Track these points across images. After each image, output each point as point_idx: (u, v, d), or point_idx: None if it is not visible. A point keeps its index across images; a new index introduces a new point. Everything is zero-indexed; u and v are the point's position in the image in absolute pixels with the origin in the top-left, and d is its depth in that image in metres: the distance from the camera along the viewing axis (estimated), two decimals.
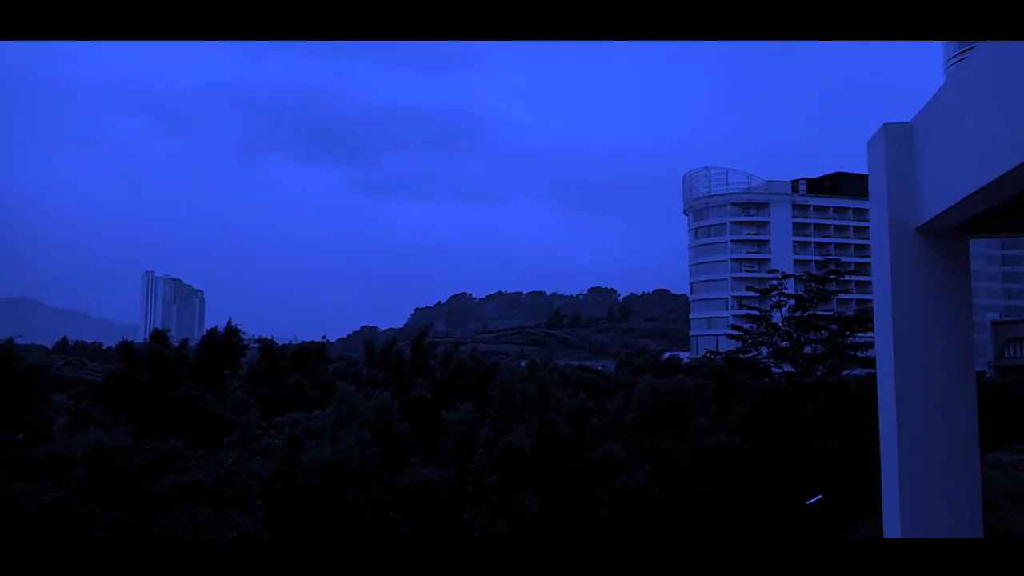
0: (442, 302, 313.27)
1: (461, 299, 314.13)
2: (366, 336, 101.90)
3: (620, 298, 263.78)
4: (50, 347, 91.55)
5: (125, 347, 35.54)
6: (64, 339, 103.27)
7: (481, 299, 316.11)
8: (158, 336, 38.23)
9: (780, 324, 41.45)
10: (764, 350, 41.26)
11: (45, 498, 20.75)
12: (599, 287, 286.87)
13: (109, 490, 22.14)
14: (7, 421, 27.93)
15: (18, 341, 34.15)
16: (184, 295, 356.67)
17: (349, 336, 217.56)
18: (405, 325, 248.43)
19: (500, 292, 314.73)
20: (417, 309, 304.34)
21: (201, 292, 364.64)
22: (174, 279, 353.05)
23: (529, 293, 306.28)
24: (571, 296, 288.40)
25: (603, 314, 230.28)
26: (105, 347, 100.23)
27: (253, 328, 44.56)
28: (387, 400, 31.85)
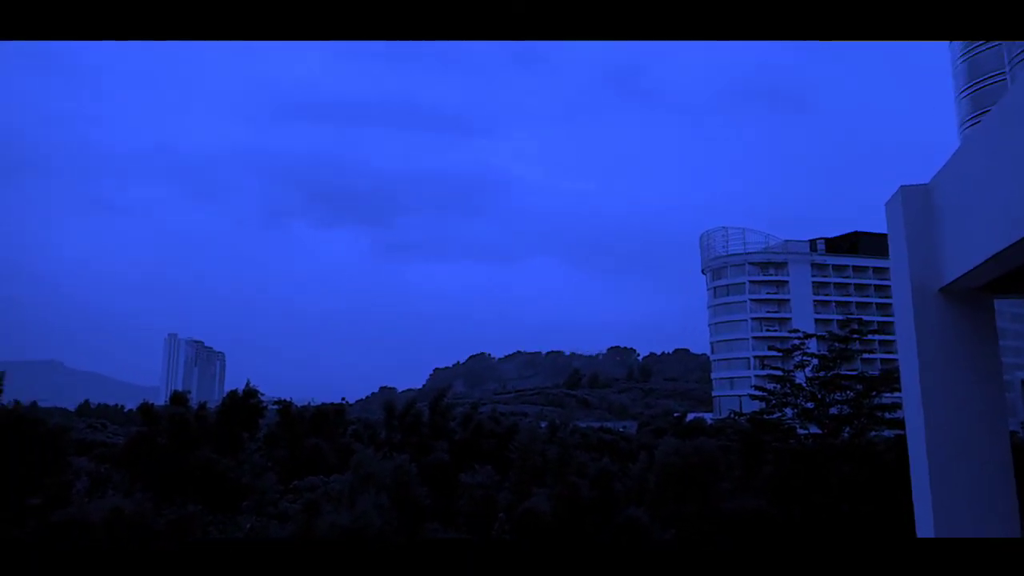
0: (461, 362, 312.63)
1: (480, 359, 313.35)
2: (385, 397, 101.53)
3: (640, 358, 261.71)
4: (73, 409, 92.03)
5: (145, 409, 35.67)
6: (87, 401, 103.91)
7: (500, 359, 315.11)
8: (178, 398, 38.36)
9: (804, 384, 40.83)
10: (788, 411, 40.54)
11: None
12: (618, 347, 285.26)
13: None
14: (25, 486, 27.93)
15: (41, 404, 34.40)
16: (206, 357, 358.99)
17: (368, 397, 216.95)
18: (424, 386, 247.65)
19: (519, 352, 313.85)
20: (436, 369, 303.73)
21: (222, 354, 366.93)
22: (196, 341, 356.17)
23: (548, 353, 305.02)
24: (590, 356, 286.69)
25: (623, 374, 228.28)
26: (127, 409, 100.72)
27: (273, 390, 44.70)
28: (405, 463, 31.52)
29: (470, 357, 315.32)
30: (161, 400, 41.67)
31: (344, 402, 56.53)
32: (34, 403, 31.78)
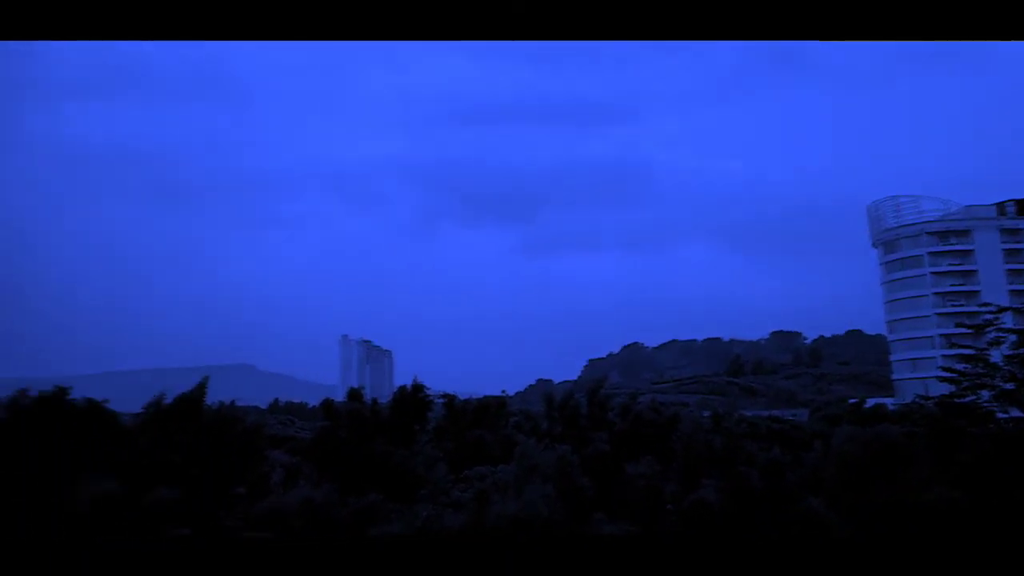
0: (614, 352, 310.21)
1: (634, 349, 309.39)
2: (542, 389, 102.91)
3: (807, 341, 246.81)
4: (265, 408, 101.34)
5: (327, 405, 38.58)
6: (276, 400, 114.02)
7: (654, 348, 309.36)
8: (354, 394, 41.12)
9: (1000, 363, 36.77)
10: (984, 393, 36.70)
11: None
12: (782, 331, 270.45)
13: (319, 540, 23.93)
14: (230, 477, 31.17)
15: (238, 403, 38.21)
16: (375, 355, 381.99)
17: (526, 389, 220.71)
18: (579, 377, 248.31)
19: (674, 340, 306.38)
20: (590, 360, 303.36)
21: (390, 352, 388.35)
22: (366, 341, 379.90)
23: (704, 340, 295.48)
24: (751, 341, 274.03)
25: (788, 359, 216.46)
26: (311, 406, 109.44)
27: (437, 384, 46.65)
28: (567, 453, 31.84)
29: (624, 347, 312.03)
30: (339, 397, 44.82)
31: (504, 394, 57.91)
32: (232, 402, 35.36)
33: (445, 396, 47.02)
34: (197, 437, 30.11)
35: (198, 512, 25.60)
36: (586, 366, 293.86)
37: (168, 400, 31.94)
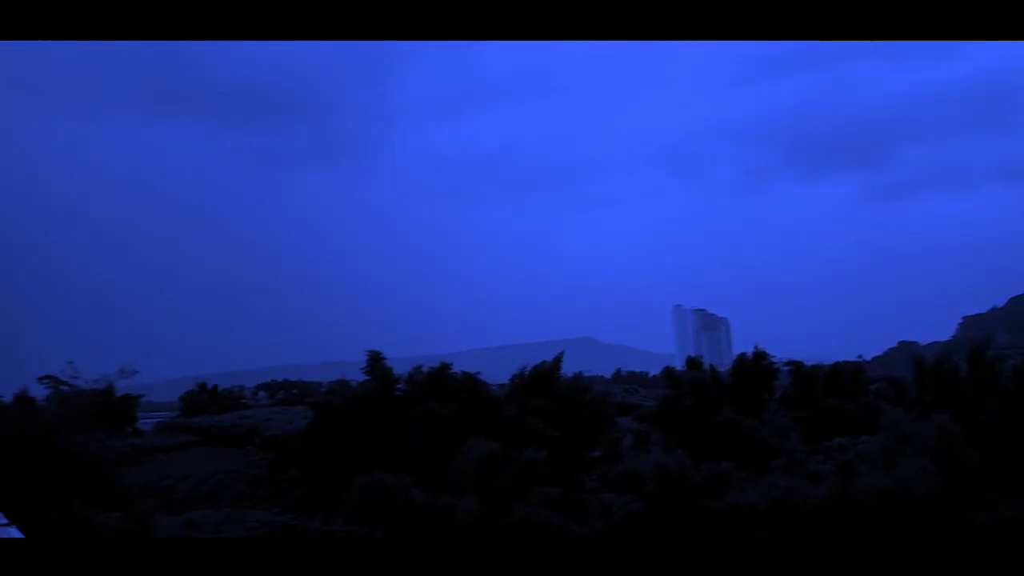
0: (999, 307, 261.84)
1: None
2: (905, 351, 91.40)
3: None
4: (607, 377, 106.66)
5: (669, 374, 39.22)
6: (618, 370, 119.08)
7: None
8: (693, 363, 41.14)
9: None
10: None
11: (629, 508, 24.20)
12: None
13: (675, 505, 24.59)
14: (586, 441, 33.50)
15: (585, 374, 40.79)
16: (711, 323, 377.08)
17: (885, 353, 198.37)
18: (953, 337, 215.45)
19: None
20: (965, 318, 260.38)
21: (726, 320, 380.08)
22: (700, 309, 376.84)
23: None
24: None
25: None
26: (650, 376, 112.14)
27: (780, 351, 44.37)
28: (946, 423, 27.99)
29: (1011, 299, 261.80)
30: (677, 366, 45.19)
31: (860, 359, 52.80)
32: (579, 373, 37.89)
33: (790, 363, 44.55)
34: (554, 405, 32.97)
35: (561, 473, 28.06)
36: (961, 324, 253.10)
37: (527, 373, 35.50)
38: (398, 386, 34.06)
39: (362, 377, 35.10)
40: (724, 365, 47.40)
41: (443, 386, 33.58)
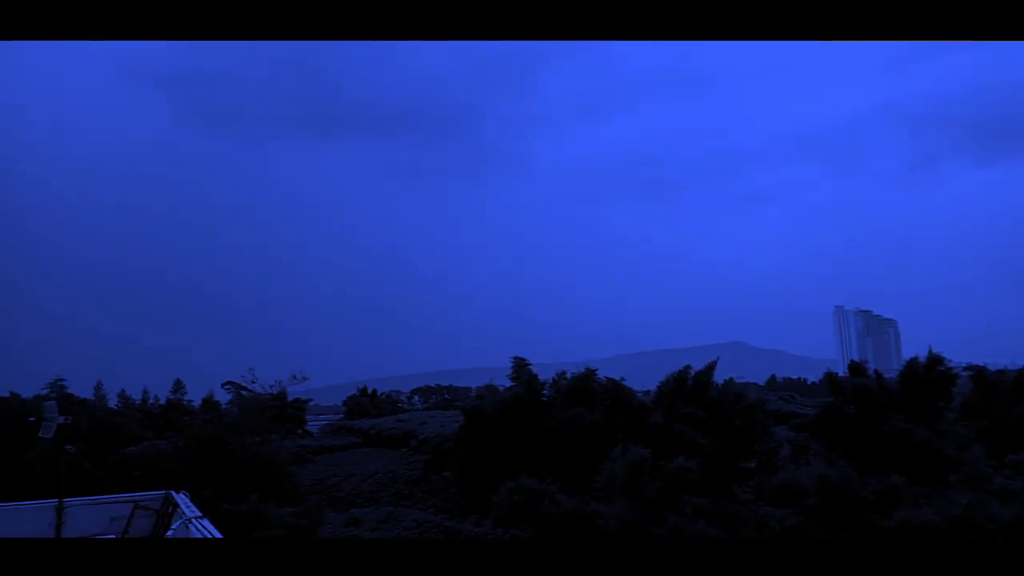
0: None
1: None
2: None
3: None
4: (760, 384, 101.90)
5: (831, 380, 36.86)
6: (772, 376, 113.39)
7: None
8: (857, 368, 38.43)
9: None
10: None
11: (787, 522, 22.93)
12: None
13: (838, 520, 23.01)
14: (740, 451, 32.16)
15: (737, 380, 39.25)
16: (877, 326, 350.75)
17: None
18: None
19: None
20: None
21: (894, 321, 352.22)
22: (864, 311, 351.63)
23: None
24: None
25: None
26: (808, 382, 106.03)
27: (954, 355, 40.47)
28: None
29: None
30: (837, 371, 42.45)
31: None
32: (730, 379, 36.49)
33: (971, 368, 40.51)
34: (705, 412, 31.95)
35: (713, 483, 27.10)
36: None
37: (676, 378, 34.68)
38: (543, 391, 34.44)
39: (508, 383, 35.83)
40: (892, 370, 43.96)
41: (588, 392, 33.55)
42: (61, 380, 42.93)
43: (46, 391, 40.05)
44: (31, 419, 11.74)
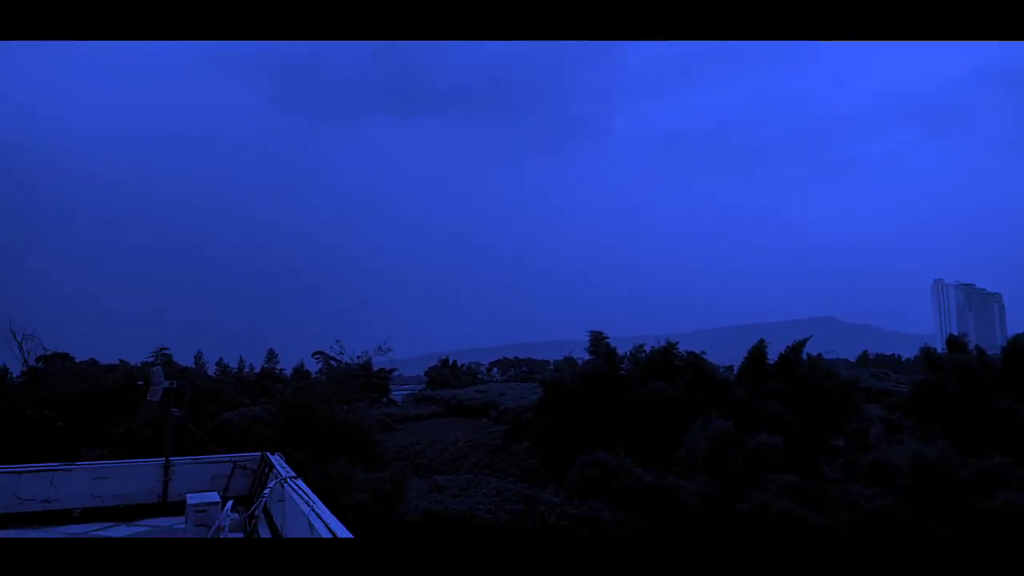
0: None
1: None
2: None
3: None
4: (851, 360, 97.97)
5: (929, 356, 35.12)
6: (864, 353, 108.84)
7: None
8: (956, 344, 36.46)
9: None
10: None
11: (878, 503, 22.11)
12: None
13: (933, 502, 22.02)
14: (828, 428, 31.13)
15: (824, 356, 37.85)
16: (980, 300, 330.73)
17: None
18: None
19: None
20: None
21: (999, 295, 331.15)
22: (967, 285, 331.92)
23: None
24: None
25: None
26: (903, 359, 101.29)
27: None
28: None
29: None
30: (937, 348, 40.34)
31: None
32: (819, 355, 35.21)
33: None
34: (791, 388, 31.03)
35: (800, 460, 26.37)
36: None
37: (753, 353, 33.78)
38: (621, 365, 34.22)
39: (585, 356, 35.74)
40: (996, 347, 41.51)
41: (668, 366, 33.12)
42: (165, 349, 45.63)
43: (151, 359, 42.69)
44: (140, 383, 12.55)
